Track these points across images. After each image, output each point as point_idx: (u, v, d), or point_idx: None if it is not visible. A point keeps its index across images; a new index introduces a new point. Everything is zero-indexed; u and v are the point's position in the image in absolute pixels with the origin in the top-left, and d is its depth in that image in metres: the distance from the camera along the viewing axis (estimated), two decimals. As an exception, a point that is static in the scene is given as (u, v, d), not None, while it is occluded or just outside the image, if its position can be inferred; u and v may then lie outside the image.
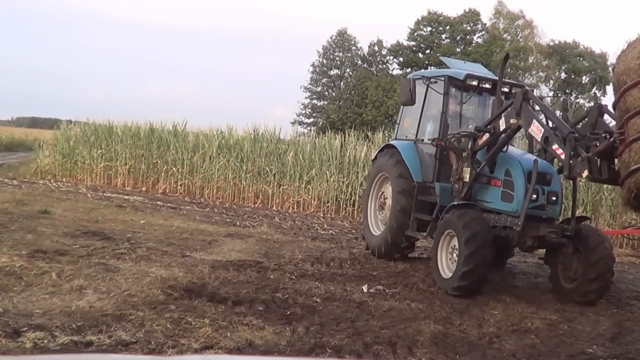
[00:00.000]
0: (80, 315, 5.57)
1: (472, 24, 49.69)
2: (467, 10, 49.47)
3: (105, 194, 17.78)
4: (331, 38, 52.69)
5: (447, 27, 49.52)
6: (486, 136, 8.61)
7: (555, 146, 7.54)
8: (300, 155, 18.77)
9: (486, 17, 50.49)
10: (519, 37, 48.23)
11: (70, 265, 7.46)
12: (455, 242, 8.20)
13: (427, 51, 49.99)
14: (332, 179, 17.96)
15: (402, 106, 10.62)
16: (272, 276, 8.24)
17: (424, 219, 9.53)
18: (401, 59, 50.30)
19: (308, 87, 52.85)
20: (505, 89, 9.45)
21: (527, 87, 8.73)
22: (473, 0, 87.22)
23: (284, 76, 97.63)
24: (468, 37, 49.93)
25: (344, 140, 18.98)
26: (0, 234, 9.21)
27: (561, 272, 8.50)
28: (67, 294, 6.27)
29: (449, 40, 49.64)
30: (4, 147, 39.69)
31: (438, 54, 48.26)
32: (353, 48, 52.81)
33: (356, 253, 10.96)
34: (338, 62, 52.96)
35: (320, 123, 49.46)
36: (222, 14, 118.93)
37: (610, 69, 47.63)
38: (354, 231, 14.49)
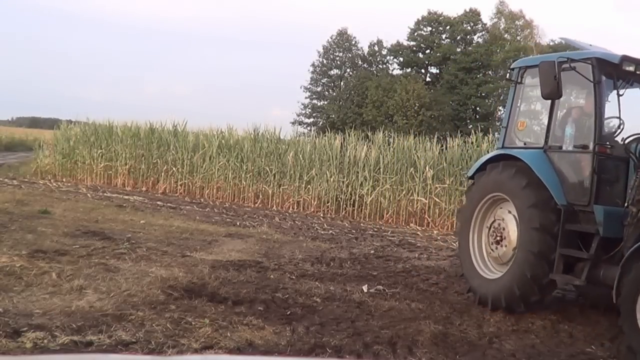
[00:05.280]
0: (80, 315, 5.57)
1: (472, 24, 49.69)
2: (468, 10, 49.51)
3: (105, 194, 17.79)
4: (331, 38, 52.75)
5: (447, 27, 49.52)
6: None
7: None
8: (300, 155, 18.78)
9: (487, 17, 50.61)
10: (519, 37, 48.22)
11: (70, 265, 7.46)
12: None
13: (427, 51, 50.04)
14: (332, 179, 17.96)
15: (510, 103, 8.18)
16: (272, 276, 8.24)
17: (576, 257, 6.89)
18: (401, 59, 50.33)
19: (308, 87, 52.91)
20: None
21: None
22: (473, 0, 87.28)
23: (284, 76, 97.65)
24: (468, 37, 49.91)
25: (344, 140, 18.98)
26: (0, 234, 9.21)
27: None
28: (67, 294, 6.27)
29: (449, 40, 49.66)
30: (4, 147, 39.75)
31: (438, 54, 48.40)
32: (353, 48, 52.84)
33: (356, 253, 10.97)
34: (338, 62, 52.94)
35: (321, 123, 49.44)
36: (221, 13, 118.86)
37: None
38: (353, 231, 14.49)
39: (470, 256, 8.06)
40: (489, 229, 7.90)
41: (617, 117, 7.29)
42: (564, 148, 7.36)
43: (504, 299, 7.25)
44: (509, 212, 7.60)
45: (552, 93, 6.99)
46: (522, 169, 7.36)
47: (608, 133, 7.12)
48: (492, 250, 7.82)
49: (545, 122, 7.68)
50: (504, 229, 7.65)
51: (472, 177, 8.38)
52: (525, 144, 8.06)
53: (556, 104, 7.55)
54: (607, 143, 6.93)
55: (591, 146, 6.91)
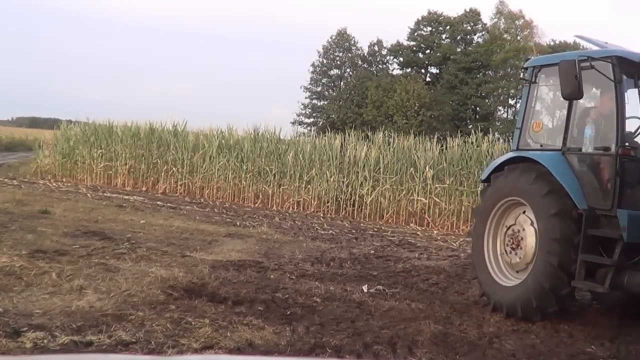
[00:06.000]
0: (80, 315, 5.57)
1: (472, 24, 49.73)
2: (468, 10, 49.54)
3: (105, 194, 17.80)
4: (331, 38, 52.80)
5: (447, 27, 49.58)
6: None
7: None
8: (300, 155, 18.79)
9: (487, 17, 50.64)
10: (518, 37, 48.24)
11: (70, 265, 7.46)
12: None
13: (427, 51, 50.07)
14: (332, 179, 17.96)
15: (525, 104, 7.85)
16: (272, 276, 8.24)
17: (598, 263, 6.58)
18: (401, 59, 50.37)
19: (308, 87, 52.94)
20: None
21: None
22: (473, 0, 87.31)
23: (284, 76, 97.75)
24: (468, 37, 49.95)
25: (344, 140, 18.99)
26: (0, 234, 9.21)
27: None
28: (67, 294, 6.26)
29: (449, 40, 49.70)
30: (4, 147, 39.78)
31: (438, 54, 48.41)
32: (353, 48, 52.87)
33: (356, 253, 10.96)
34: (338, 62, 52.98)
35: (321, 123, 49.48)
36: (222, 13, 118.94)
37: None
38: (353, 231, 14.49)
39: (486, 262, 7.66)
40: (508, 228, 7.50)
41: (638, 118, 7.04)
42: (583, 150, 7.03)
43: (520, 309, 6.94)
44: (531, 223, 7.17)
45: (574, 93, 6.70)
46: (541, 174, 7.00)
47: (629, 134, 6.86)
48: (508, 256, 7.45)
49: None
50: (522, 238, 7.27)
51: (485, 181, 8.01)
52: (541, 145, 7.74)
53: (574, 104, 7.25)
54: (629, 145, 6.68)
55: (613, 148, 6.62)
